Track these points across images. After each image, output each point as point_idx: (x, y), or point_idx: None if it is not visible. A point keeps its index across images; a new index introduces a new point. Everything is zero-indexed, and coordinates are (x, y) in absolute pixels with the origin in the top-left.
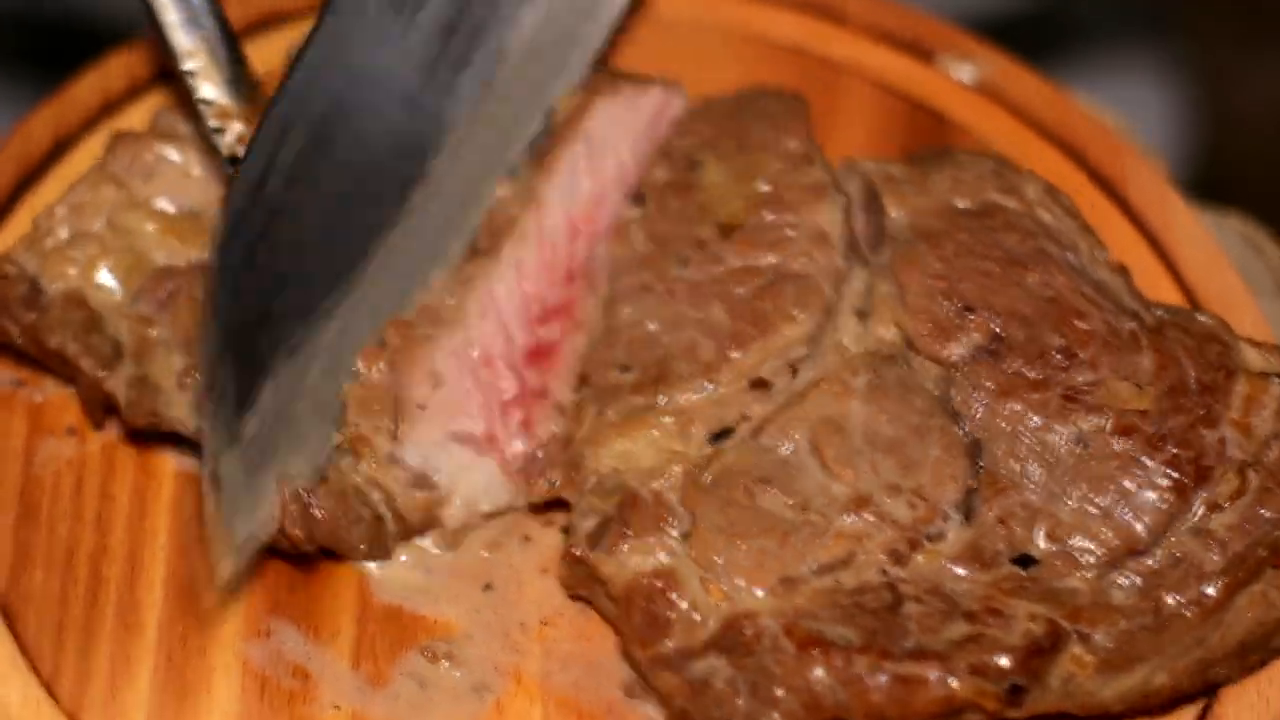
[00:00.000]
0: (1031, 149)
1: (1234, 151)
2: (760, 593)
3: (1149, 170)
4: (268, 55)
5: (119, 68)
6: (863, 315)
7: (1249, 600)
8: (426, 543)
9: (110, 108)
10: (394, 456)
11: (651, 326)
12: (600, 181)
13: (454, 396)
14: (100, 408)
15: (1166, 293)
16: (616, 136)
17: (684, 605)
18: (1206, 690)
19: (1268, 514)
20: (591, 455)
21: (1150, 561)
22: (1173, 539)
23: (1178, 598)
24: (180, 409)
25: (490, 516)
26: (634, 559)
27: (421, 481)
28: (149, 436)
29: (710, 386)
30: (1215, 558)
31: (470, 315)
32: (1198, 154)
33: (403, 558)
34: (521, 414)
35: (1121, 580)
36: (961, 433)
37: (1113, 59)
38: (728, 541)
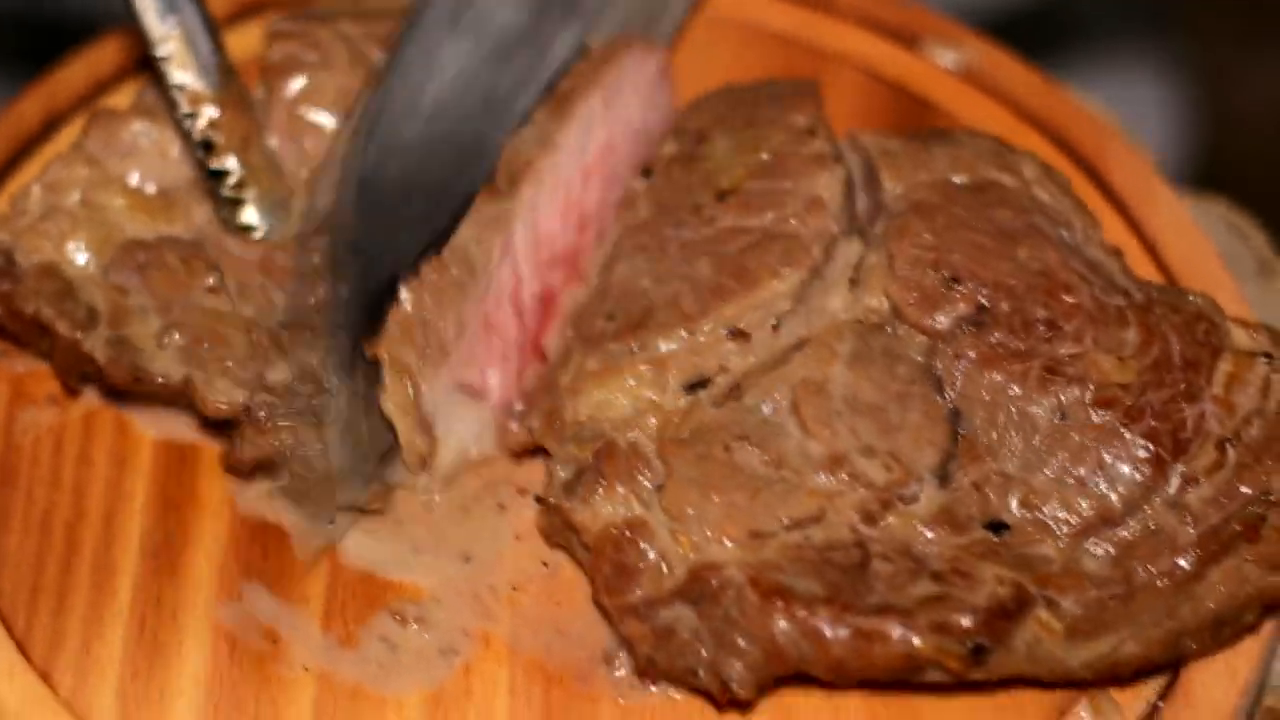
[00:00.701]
0: (1015, 134)
1: (1234, 151)
2: (729, 544)
3: (1132, 155)
4: (247, 43)
5: (110, 50)
6: (855, 285)
7: (1222, 574)
8: (399, 507)
9: (100, 89)
10: (413, 398)
11: (642, 281)
12: (612, 130)
13: (470, 344)
14: (77, 375)
15: (1148, 276)
16: (629, 90)
17: (653, 555)
18: (1176, 661)
19: (1245, 489)
20: (571, 404)
21: (1124, 532)
22: (1148, 511)
23: (1150, 568)
24: (162, 363)
25: (478, 464)
26: (607, 508)
27: (424, 428)
28: (128, 399)
29: (687, 335)
30: (1189, 530)
31: (492, 259)
32: (1198, 153)
33: (376, 520)
34: (517, 361)
35: (1094, 549)
36: (943, 401)
37: (1113, 57)
38: (701, 494)
